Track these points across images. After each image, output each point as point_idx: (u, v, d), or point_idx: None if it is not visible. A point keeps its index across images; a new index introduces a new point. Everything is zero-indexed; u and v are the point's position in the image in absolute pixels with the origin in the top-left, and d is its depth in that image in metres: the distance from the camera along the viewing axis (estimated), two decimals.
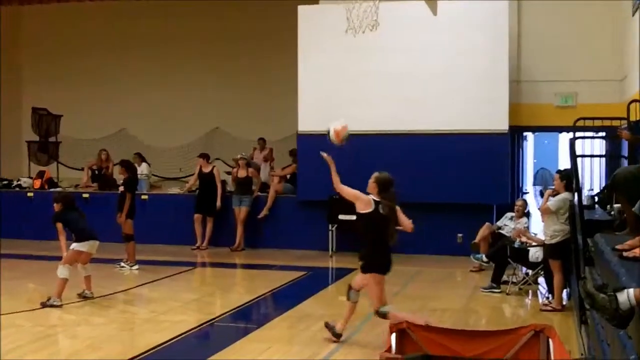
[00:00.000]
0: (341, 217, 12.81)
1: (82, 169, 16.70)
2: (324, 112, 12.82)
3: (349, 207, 12.36)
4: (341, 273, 11.65)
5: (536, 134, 16.19)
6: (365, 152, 12.70)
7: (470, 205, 12.67)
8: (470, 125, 12.70)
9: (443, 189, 12.80)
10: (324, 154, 7.54)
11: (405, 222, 7.50)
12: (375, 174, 7.43)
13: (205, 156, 14.52)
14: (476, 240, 11.49)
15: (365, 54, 12.99)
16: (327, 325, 7.58)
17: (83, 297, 9.38)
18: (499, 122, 12.68)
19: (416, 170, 12.81)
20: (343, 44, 12.74)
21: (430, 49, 12.95)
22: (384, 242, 7.37)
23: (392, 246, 7.44)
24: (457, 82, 12.77)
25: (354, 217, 12.60)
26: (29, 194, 15.64)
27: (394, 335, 5.68)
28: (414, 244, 12.91)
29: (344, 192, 7.41)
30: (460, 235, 12.83)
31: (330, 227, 13.36)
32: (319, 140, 12.69)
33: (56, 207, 9.40)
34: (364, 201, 7.29)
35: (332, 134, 7.73)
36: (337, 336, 7.48)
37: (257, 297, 10.00)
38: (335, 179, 7.43)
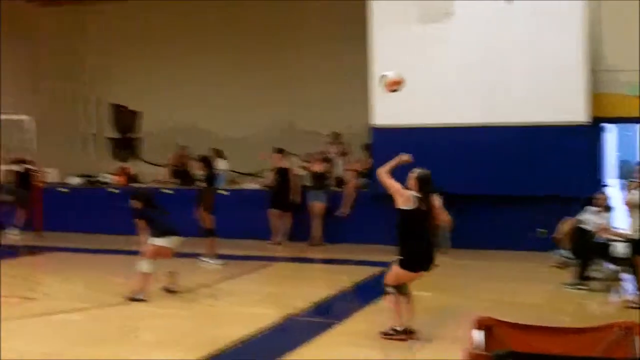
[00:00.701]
0: None
1: (162, 165, 17.03)
2: (400, 104, 12.73)
3: None
4: None
5: (617, 125, 15.76)
6: (439, 144, 12.64)
7: (549, 199, 12.42)
8: (548, 117, 12.43)
9: (521, 182, 12.59)
10: (405, 156, 7.51)
11: (444, 216, 7.50)
12: (417, 171, 7.42)
13: (280, 151, 14.64)
14: (558, 235, 11.29)
15: (440, 43, 12.87)
16: (392, 332, 7.52)
17: (167, 290, 9.60)
18: (579, 113, 12.39)
19: (493, 163, 12.68)
20: (417, 34, 12.68)
21: (507, 38, 12.67)
22: (425, 239, 7.41)
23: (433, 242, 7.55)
24: (533, 73, 12.48)
25: None
26: (111, 190, 16.02)
27: (479, 332, 5.63)
28: (492, 239, 12.85)
29: (386, 183, 7.41)
30: (541, 230, 12.59)
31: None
32: (395, 133, 12.82)
33: (136, 204, 9.60)
34: (405, 197, 7.29)
35: (386, 80, 7.77)
36: (409, 332, 7.47)
37: (336, 292, 10.06)
38: (386, 168, 7.43)
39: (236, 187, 15.97)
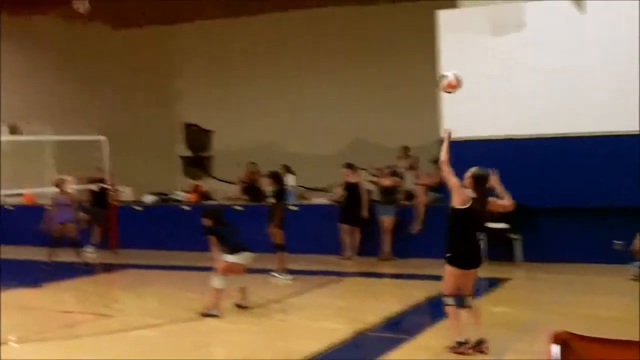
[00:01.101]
0: (490, 225, 12.63)
1: (233, 182, 17.23)
2: (471, 117, 12.67)
3: (500, 214, 12.12)
4: (492, 282, 11.44)
5: None
6: (511, 156, 12.42)
7: (626, 210, 12.07)
8: (623, 126, 12.10)
9: (597, 193, 12.26)
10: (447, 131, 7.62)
11: (505, 202, 7.41)
12: (473, 169, 7.40)
13: (350, 166, 14.62)
14: (635, 248, 10.98)
15: (510, 55, 12.69)
16: (456, 344, 7.41)
17: (239, 306, 9.68)
18: None
19: (568, 174, 12.39)
20: (486, 45, 12.53)
21: (579, 46, 12.39)
22: (473, 237, 7.42)
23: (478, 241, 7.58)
24: (610, 80, 12.18)
25: (504, 225, 12.47)
26: (185, 207, 16.27)
27: (556, 346, 5.51)
28: (567, 252, 12.58)
29: (448, 177, 7.41)
30: (618, 242, 12.23)
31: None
32: (465, 146, 12.69)
33: (205, 222, 9.71)
34: (463, 196, 7.28)
35: (446, 81, 7.80)
36: (477, 343, 7.35)
37: (407, 307, 9.98)
38: (446, 154, 7.47)
39: (305, 202, 16.03)
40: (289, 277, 12.03)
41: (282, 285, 11.75)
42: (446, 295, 7.47)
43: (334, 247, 14.24)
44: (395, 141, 16.55)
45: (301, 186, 17.00)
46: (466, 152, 12.82)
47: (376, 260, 13.94)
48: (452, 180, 7.36)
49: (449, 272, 7.42)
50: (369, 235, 14.24)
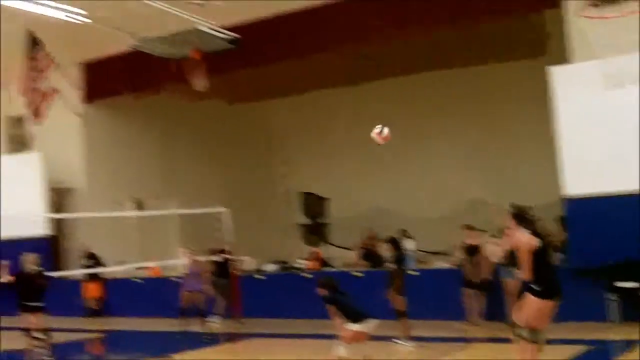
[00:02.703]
0: (620, 284, 12.10)
1: (352, 248, 17.25)
2: (592, 172, 12.33)
3: (630, 273, 11.63)
4: (627, 344, 10.87)
5: None
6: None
7: None
8: None
9: None
10: None
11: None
12: (510, 209, 8.13)
13: (470, 228, 14.37)
14: None
15: (629, 107, 12.29)
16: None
17: None
18: None
19: None
20: (602, 99, 12.25)
21: None
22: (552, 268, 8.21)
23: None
24: None
25: (635, 284, 11.92)
26: (306, 275, 16.34)
27: None
28: None
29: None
30: None
31: (608, 296, 12.53)
32: (590, 202, 12.28)
33: (321, 292, 9.73)
34: (531, 245, 7.78)
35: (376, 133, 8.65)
36: None
37: None
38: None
39: (426, 266, 15.81)
40: (413, 344, 11.82)
41: (406, 352, 11.54)
42: (522, 327, 7.68)
43: (457, 313, 13.90)
44: (514, 200, 16.18)
45: (420, 250, 16.82)
46: (590, 210, 12.43)
47: (504, 324, 13.49)
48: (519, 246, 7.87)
49: (534, 305, 7.66)
50: (494, 300, 13.83)
